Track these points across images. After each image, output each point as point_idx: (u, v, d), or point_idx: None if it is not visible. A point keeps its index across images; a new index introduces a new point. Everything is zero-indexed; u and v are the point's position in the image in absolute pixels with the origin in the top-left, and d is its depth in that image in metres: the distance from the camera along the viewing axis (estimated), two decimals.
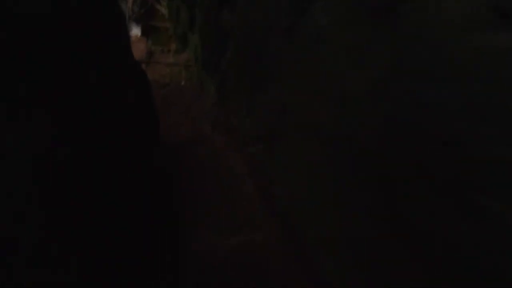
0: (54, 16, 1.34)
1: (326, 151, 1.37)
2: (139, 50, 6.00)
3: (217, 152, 2.81)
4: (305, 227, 1.59)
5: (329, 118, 1.31)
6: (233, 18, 2.45)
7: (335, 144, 1.32)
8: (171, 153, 2.99)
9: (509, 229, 0.74)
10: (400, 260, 1.08)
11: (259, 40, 1.81)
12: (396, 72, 1.06)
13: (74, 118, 1.33)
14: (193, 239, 1.99)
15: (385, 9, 1.09)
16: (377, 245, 1.18)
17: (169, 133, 3.41)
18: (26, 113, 1.06)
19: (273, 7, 1.65)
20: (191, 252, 1.96)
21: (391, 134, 1.12)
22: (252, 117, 2.08)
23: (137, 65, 2.72)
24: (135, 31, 6.55)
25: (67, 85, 1.35)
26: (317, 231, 1.55)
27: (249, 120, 2.15)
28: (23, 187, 0.98)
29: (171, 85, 4.29)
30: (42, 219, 1.01)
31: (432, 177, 1.02)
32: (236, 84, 2.38)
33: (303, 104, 1.45)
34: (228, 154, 2.63)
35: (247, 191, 2.19)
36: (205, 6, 2.91)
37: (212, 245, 1.97)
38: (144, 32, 6.59)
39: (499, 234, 0.76)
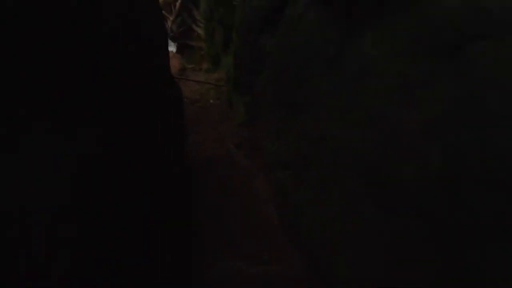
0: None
1: (366, 188, 1.24)
2: (172, 66, 6.09)
3: (242, 173, 2.70)
4: (335, 266, 1.44)
5: (373, 153, 1.19)
6: (272, 41, 2.40)
7: (377, 181, 1.19)
8: (195, 169, 2.92)
9: None
10: None
11: (299, 66, 1.74)
12: (460, 112, 0.94)
13: (116, 128, 1.28)
14: (209, 265, 1.86)
15: (449, 48, 0.99)
16: None
17: (195, 149, 3.35)
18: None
19: (318, 34, 1.58)
20: (207, 277, 1.84)
21: (447, 179, 0.99)
22: (283, 141, 1.98)
23: (173, 81, 2.72)
24: (171, 48, 6.70)
25: (115, 99, 1.31)
26: (349, 272, 1.39)
27: (279, 144, 2.05)
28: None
29: (201, 102, 4.28)
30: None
31: (497, 232, 0.88)
32: (270, 107, 2.30)
33: (345, 136, 1.34)
34: (253, 176, 2.52)
35: (270, 218, 2.06)
36: (245, 27, 2.90)
37: (230, 272, 1.84)
38: (179, 50, 6.74)
39: None
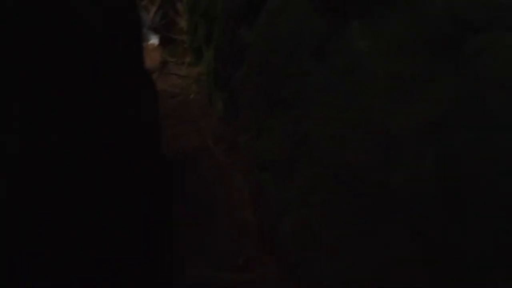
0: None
1: (351, 194, 1.10)
2: (154, 59, 5.81)
3: (220, 170, 2.52)
4: (314, 274, 1.30)
5: (361, 156, 1.04)
6: (251, 33, 2.22)
7: (364, 188, 1.05)
8: (172, 164, 2.71)
9: None
10: None
11: (281, 60, 1.57)
12: (458, 113, 0.81)
13: (75, 117, 1.11)
14: (181, 270, 1.68)
15: (449, 42, 0.85)
16: None
17: (174, 143, 3.14)
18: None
19: (301, 25, 1.41)
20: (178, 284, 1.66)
21: (441, 188, 0.86)
22: (264, 140, 1.82)
23: (147, 74, 2.48)
24: (153, 40, 6.40)
25: (70, 84, 1.11)
26: (328, 282, 1.25)
27: (259, 142, 1.88)
28: None
29: (181, 96, 4.05)
30: None
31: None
32: (249, 103, 2.13)
33: (331, 137, 1.19)
34: (231, 174, 2.35)
35: (246, 220, 1.89)
36: (224, 19, 2.70)
37: (202, 279, 1.66)
38: (161, 43, 6.45)
39: None
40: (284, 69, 1.56)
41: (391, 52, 0.96)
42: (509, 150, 0.76)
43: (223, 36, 2.69)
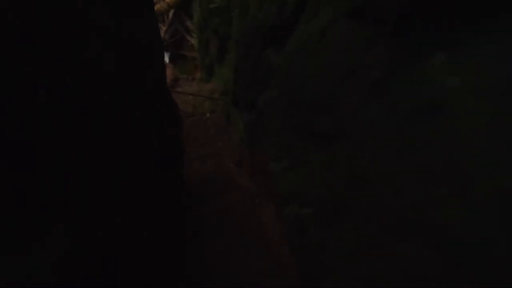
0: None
1: (428, 254, 0.89)
2: None
3: (246, 198, 2.31)
4: None
5: (449, 216, 0.84)
6: (279, 57, 2.04)
7: (442, 246, 0.84)
8: (191, 192, 2.50)
9: None
10: None
11: (326, 89, 1.38)
12: None
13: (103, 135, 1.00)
14: None
15: None
16: None
17: (192, 168, 2.93)
18: None
19: (354, 53, 1.22)
20: None
21: None
22: (302, 173, 1.61)
23: (169, 95, 2.30)
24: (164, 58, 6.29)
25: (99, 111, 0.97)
26: None
27: (296, 175, 1.68)
28: None
29: (195, 116, 3.86)
30: None
31: None
32: (279, 131, 1.93)
33: (398, 183, 0.98)
34: (259, 204, 2.14)
35: (282, 263, 1.67)
36: (247, 40, 2.52)
37: None
38: (171, 60, 6.36)
39: None
40: (329, 101, 1.36)
41: (491, 91, 0.76)
42: None
43: (245, 58, 2.51)
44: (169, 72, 5.77)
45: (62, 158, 0.79)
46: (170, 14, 6.12)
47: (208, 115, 3.85)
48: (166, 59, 6.25)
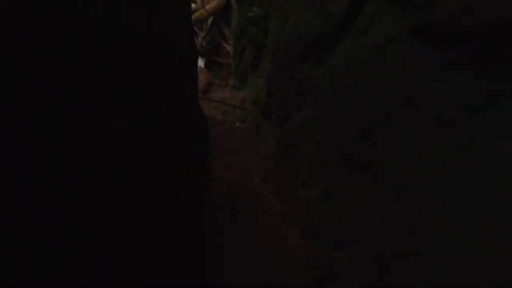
0: None
1: None
2: (199, 80, 5.70)
3: (272, 219, 2.10)
4: None
5: None
6: (320, 72, 1.82)
7: None
8: (216, 205, 2.34)
9: None
10: None
11: (381, 116, 1.15)
12: None
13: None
14: None
15: None
16: None
17: (216, 180, 2.78)
18: None
19: (421, 78, 0.98)
20: None
21: None
22: (337, 206, 1.38)
23: (200, 113, 2.16)
24: (199, 63, 6.34)
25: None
26: None
27: (328, 207, 1.45)
28: None
29: (225, 124, 3.72)
30: None
31: None
32: (314, 152, 1.71)
33: (473, 255, 0.73)
34: (286, 231, 1.92)
35: None
36: (284, 52, 2.33)
37: None
38: (206, 65, 6.37)
39: None
40: (378, 129, 1.12)
41: None
42: None
43: (282, 68, 2.32)
44: (204, 77, 5.75)
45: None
46: (209, 22, 6.11)
47: (237, 124, 3.70)
48: (202, 64, 6.27)
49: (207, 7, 5.83)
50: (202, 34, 6.20)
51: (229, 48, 5.88)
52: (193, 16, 5.73)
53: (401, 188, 1.01)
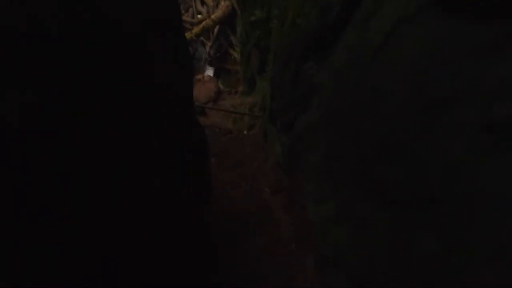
0: None
1: None
2: (209, 89, 5.56)
3: (281, 236, 1.82)
4: None
5: None
6: (323, 72, 1.53)
7: None
8: (224, 227, 2.07)
9: None
10: None
11: (391, 118, 0.85)
12: None
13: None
14: None
15: None
16: None
17: (222, 193, 2.53)
18: None
19: (455, 60, 0.68)
20: None
21: None
22: (352, 233, 1.08)
23: (197, 125, 1.89)
24: (208, 72, 6.20)
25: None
26: None
27: (342, 233, 1.15)
28: None
29: (233, 133, 3.49)
30: None
31: None
32: (321, 164, 1.42)
33: None
34: (297, 254, 1.63)
35: None
36: (283, 52, 2.05)
37: None
38: (215, 73, 6.21)
39: None
40: (401, 140, 0.82)
41: None
42: None
43: (283, 70, 2.03)
44: (213, 86, 5.58)
45: None
46: (215, 30, 5.95)
47: (245, 132, 3.45)
48: (211, 73, 6.12)
49: (212, 16, 5.67)
50: (209, 43, 6.05)
51: (236, 55, 5.69)
52: (200, 27, 5.58)
53: (434, 220, 0.70)
